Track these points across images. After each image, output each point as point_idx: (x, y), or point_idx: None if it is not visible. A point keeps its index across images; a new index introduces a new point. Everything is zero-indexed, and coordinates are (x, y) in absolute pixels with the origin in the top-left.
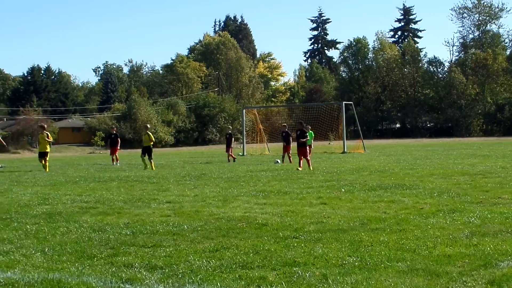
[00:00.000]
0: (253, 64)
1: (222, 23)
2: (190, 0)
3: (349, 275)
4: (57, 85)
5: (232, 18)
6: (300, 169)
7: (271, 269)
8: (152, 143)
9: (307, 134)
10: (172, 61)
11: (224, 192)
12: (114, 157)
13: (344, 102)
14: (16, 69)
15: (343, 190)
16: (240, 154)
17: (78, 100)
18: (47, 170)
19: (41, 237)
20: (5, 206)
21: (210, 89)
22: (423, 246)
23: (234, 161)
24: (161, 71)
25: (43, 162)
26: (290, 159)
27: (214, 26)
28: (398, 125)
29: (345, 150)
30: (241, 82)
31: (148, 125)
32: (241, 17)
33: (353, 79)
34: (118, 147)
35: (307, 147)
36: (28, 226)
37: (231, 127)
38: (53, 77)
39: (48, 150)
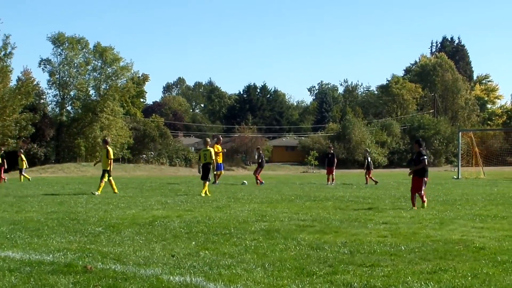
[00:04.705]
0: (470, 86)
1: (439, 44)
2: (407, 21)
3: None
4: (272, 103)
5: (449, 39)
6: (415, 208)
7: None
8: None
9: (424, 157)
10: (387, 81)
11: (440, 215)
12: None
13: None
14: (233, 87)
15: None
16: (455, 177)
17: (293, 119)
18: (99, 191)
19: (260, 253)
20: (224, 221)
21: (425, 111)
22: None
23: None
24: (376, 92)
25: (105, 181)
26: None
27: (431, 47)
28: None
29: None
30: (457, 104)
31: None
32: (458, 38)
33: None
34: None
35: (423, 178)
36: (247, 242)
37: (332, 146)
38: (268, 95)
39: (109, 168)
